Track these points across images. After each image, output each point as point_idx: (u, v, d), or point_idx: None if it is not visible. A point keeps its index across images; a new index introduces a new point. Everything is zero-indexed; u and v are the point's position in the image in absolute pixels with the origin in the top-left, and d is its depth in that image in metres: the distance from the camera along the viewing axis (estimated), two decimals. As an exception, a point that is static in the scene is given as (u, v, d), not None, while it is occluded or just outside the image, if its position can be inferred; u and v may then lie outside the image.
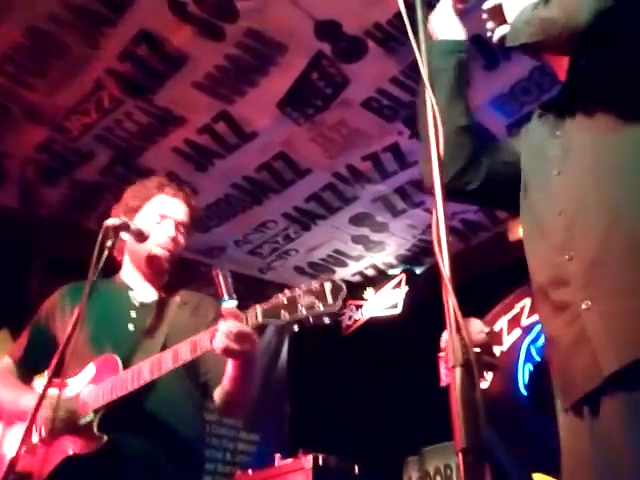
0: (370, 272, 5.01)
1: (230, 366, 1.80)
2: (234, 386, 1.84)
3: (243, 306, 1.94)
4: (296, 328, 1.63)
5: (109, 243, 1.84)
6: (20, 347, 2.06)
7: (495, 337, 4.09)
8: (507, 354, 4.15)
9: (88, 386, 1.84)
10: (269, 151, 3.83)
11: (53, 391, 1.71)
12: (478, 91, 3.12)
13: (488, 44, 1.57)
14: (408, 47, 1.26)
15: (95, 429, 1.75)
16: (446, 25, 1.61)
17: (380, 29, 3.07)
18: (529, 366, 4.11)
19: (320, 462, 3.34)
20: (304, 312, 1.57)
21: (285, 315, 1.60)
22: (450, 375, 0.98)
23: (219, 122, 3.63)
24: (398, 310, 4.81)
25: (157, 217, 2.03)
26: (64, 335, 1.81)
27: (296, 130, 3.68)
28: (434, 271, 1.08)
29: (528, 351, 4.12)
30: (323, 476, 3.31)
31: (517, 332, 4.15)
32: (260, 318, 1.64)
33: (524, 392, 4.07)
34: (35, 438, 1.80)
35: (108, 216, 2.02)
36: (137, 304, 2.02)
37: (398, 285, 4.88)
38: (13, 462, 1.53)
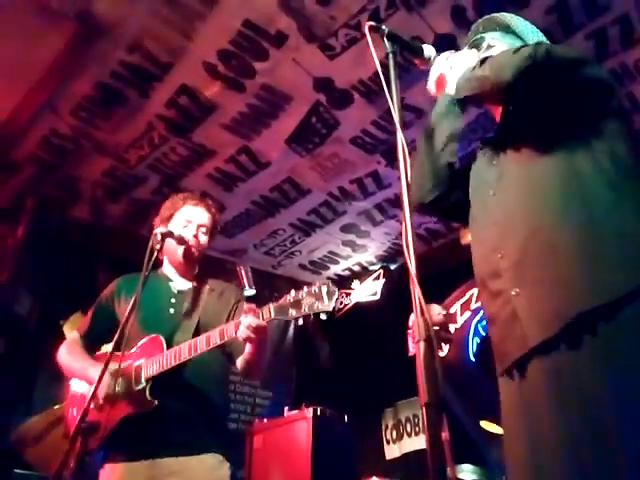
0: (356, 268, 5.00)
1: (248, 345, 1.79)
2: (251, 358, 1.84)
3: (259, 294, 1.93)
4: (300, 322, 1.63)
5: (158, 246, 1.83)
6: (85, 324, 2.03)
7: (450, 318, 4.08)
8: (460, 330, 4.15)
9: (140, 360, 1.81)
10: (279, 176, 3.82)
11: (113, 365, 1.69)
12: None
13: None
14: (384, 97, 1.25)
15: (147, 394, 1.74)
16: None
17: (363, 84, 3.07)
18: (477, 339, 4.11)
19: (318, 413, 3.32)
20: (306, 310, 1.57)
21: (292, 312, 1.60)
22: (416, 347, 0.98)
23: (241, 154, 3.62)
24: (377, 297, 4.79)
25: (184, 222, 2.01)
26: (121, 316, 1.80)
27: (300, 161, 3.68)
28: (405, 267, 1.08)
29: (476, 328, 4.12)
30: (320, 423, 3.30)
31: (467, 314, 4.15)
32: (272, 314, 1.64)
33: (473, 359, 4.07)
34: (101, 398, 1.78)
35: (156, 226, 2.01)
36: (176, 292, 2.00)
37: (377, 278, 4.87)
38: (83, 414, 1.52)
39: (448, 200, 1.56)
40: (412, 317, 1.01)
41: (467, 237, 1.47)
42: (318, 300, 1.56)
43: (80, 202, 4.00)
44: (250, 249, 4.65)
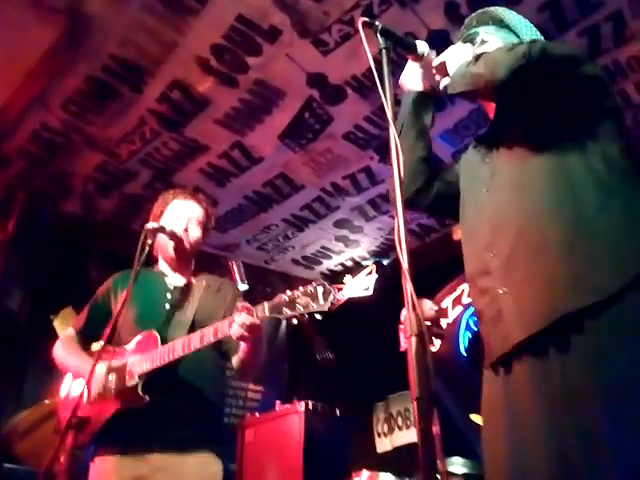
0: (349, 263, 5.00)
1: (242, 344, 1.78)
2: (246, 357, 1.82)
3: (252, 289, 1.92)
4: (295, 321, 1.59)
5: (149, 241, 1.82)
6: (81, 320, 2.02)
7: (442, 313, 4.09)
8: (451, 325, 4.16)
9: (134, 356, 1.79)
10: (272, 172, 3.81)
11: (107, 360, 1.67)
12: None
13: (437, 92, 1.57)
14: (377, 93, 1.25)
15: (139, 391, 1.72)
16: (412, 79, 1.58)
17: (356, 80, 3.07)
18: (468, 334, 4.12)
19: (310, 407, 3.33)
20: (301, 310, 1.55)
21: (286, 311, 1.57)
22: (407, 342, 0.98)
23: (234, 150, 3.60)
24: (370, 292, 4.78)
25: (174, 216, 2.01)
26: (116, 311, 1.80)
27: (293, 156, 3.66)
28: (397, 263, 1.08)
29: (467, 323, 4.13)
30: (312, 417, 3.30)
31: (459, 309, 4.16)
32: (267, 313, 1.61)
33: (464, 354, 4.08)
34: (93, 394, 1.77)
35: (148, 221, 2.00)
36: (171, 287, 1.99)
37: (370, 273, 4.83)
38: (75, 409, 1.51)
39: (427, 196, 1.57)
40: (404, 312, 1.01)
41: (459, 233, 1.47)
42: (313, 300, 1.55)
43: (71, 196, 3.96)
44: (243, 244, 4.64)
